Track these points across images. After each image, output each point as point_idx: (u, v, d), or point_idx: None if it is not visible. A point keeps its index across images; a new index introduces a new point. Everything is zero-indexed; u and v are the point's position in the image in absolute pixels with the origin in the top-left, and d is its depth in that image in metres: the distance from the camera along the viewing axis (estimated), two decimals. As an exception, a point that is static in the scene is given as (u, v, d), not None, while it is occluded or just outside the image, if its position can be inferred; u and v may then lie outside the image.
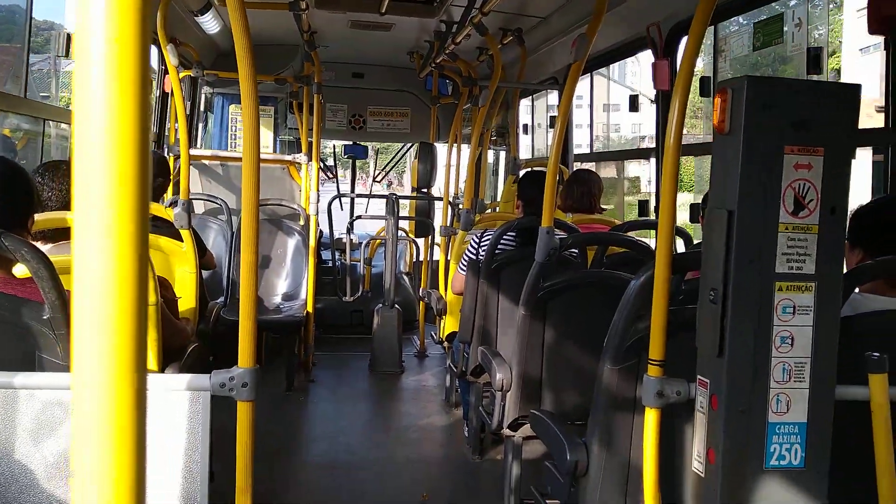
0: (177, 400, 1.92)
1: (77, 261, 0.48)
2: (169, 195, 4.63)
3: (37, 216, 2.40)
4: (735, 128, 1.65)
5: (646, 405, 1.84)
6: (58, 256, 2.04)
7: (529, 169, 5.53)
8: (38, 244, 2.25)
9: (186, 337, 3.15)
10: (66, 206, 2.64)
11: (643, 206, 4.35)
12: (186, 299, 3.63)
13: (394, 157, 9.26)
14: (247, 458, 1.83)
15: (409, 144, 8.44)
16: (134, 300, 0.49)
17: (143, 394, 0.51)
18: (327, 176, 8.88)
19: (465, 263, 3.79)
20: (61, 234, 2.59)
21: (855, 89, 1.68)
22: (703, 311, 1.74)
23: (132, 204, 0.47)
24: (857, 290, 1.99)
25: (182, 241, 3.68)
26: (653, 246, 3.33)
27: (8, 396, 1.78)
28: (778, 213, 1.65)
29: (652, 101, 4.14)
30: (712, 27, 3.67)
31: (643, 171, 5.84)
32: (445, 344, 4.83)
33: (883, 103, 2.48)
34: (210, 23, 5.41)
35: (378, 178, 9.11)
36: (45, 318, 1.78)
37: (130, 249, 0.48)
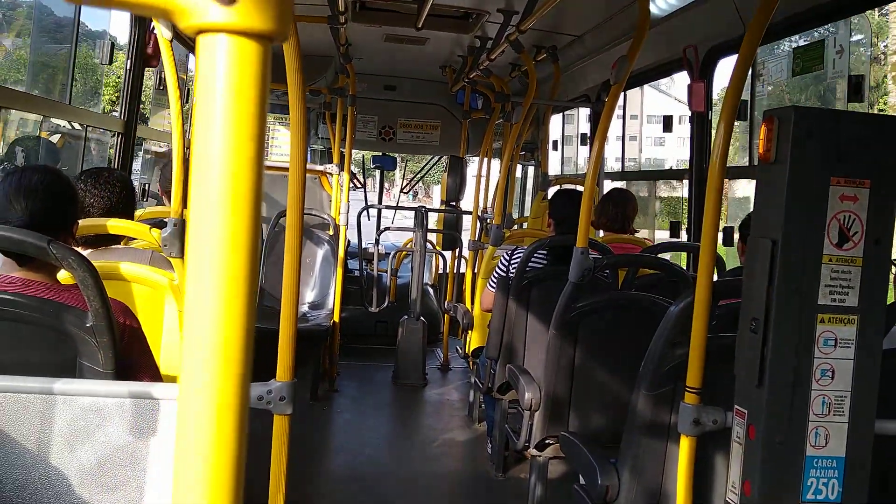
0: (212, 410, 1.93)
1: (191, 274, 0.49)
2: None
3: (81, 222, 2.44)
4: (781, 157, 1.64)
5: (681, 433, 1.83)
6: (100, 262, 2.07)
7: (560, 187, 5.52)
8: (79, 249, 2.29)
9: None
10: (107, 212, 2.68)
11: (675, 227, 4.33)
12: (217, 307, 3.65)
13: (422, 169, 9.29)
14: (281, 472, 1.84)
15: (438, 157, 8.46)
16: (244, 309, 0.50)
17: (245, 404, 0.52)
18: (355, 185, 8.92)
19: (496, 280, 3.79)
20: (102, 240, 2.63)
21: (904, 122, 1.66)
22: (743, 341, 1.73)
23: (245, 214, 0.48)
24: None
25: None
26: (684, 266, 3.31)
27: (47, 402, 1.81)
28: (822, 244, 1.64)
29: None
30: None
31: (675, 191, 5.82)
32: (470, 359, 4.83)
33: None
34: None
35: (406, 190, 9.15)
36: (87, 325, 1.81)
37: (242, 260, 0.49)
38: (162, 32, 2.76)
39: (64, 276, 2.12)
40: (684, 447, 1.83)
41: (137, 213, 3.68)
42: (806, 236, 1.64)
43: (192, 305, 0.49)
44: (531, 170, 7.67)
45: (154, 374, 2.23)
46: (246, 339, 0.50)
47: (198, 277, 0.48)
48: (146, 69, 4.13)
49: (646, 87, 5.36)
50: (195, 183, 0.47)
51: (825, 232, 1.64)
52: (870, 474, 1.72)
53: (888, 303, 1.77)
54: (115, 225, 2.60)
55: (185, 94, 5.75)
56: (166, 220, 2.69)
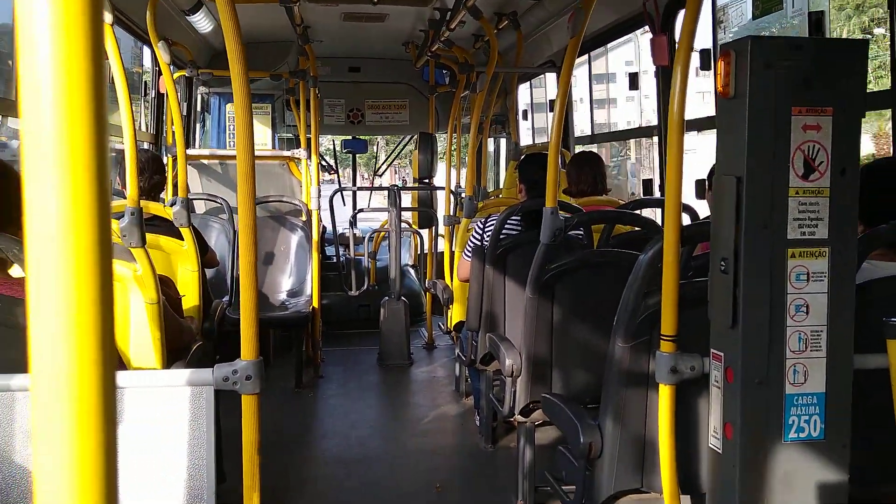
0: (180, 396, 1.89)
1: (31, 248, 0.43)
2: (169, 195, 4.60)
3: None
4: (740, 91, 1.60)
5: (659, 382, 1.80)
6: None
7: (530, 152, 5.48)
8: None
9: (191, 335, 3.11)
10: None
11: (647, 185, 4.29)
12: (190, 298, 3.59)
13: (394, 150, 9.21)
14: (253, 454, 1.79)
15: (410, 136, 8.39)
16: (96, 281, 0.44)
17: (110, 390, 0.46)
18: (328, 173, 8.84)
19: (471, 250, 3.74)
20: None
21: (862, 46, 1.62)
22: (714, 282, 1.70)
23: (88, 184, 0.43)
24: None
25: (183, 239, 3.64)
26: (660, 222, 3.28)
27: (6, 399, 1.75)
28: (788, 177, 1.60)
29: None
30: (710, -2, 3.60)
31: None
32: (453, 333, 4.79)
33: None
34: (202, 22, 5.36)
35: (380, 172, 9.07)
36: None
37: (89, 234, 0.43)
38: (104, 17, 2.67)
39: (18, 271, 2.05)
40: (664, 396, 1.79)
41: None
42: (770, 170, 1.60)
43: (36, 285, 0.44)
44: (503, 142, 7.61)
45: (119, 367, 2.17)
46: (103, 319, 0.44)
47: (38, 242, 0.43)
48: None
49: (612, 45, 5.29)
50: (26, 137, 0.42)
51: (790, 164, 1.60)
52: (851, 410, 1.69)
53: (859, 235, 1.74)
54: None
55: (143, 89, 5.65)
56: None
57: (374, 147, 16.98)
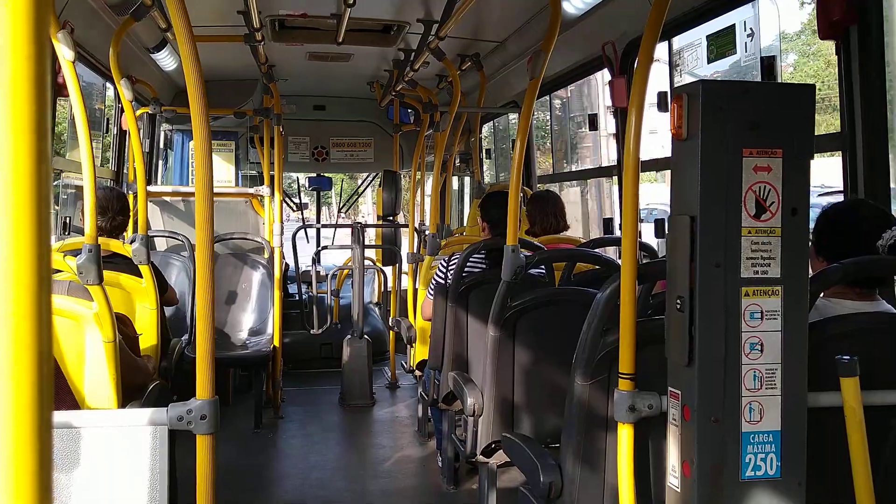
0: (135, 435, 1.85)
1: None
2: (130, 232, 4.54)
3: None
4: (692, 133, 1.64)
5: (618, 420, 1.80)
6: None
7: (491, 190, 5.52)
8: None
9: (147, 374, 3.05)
10: None
11: (607, 224, 4.35)
12: (148, 336, 3.53)
13: (358, 188, 9.22)
14: (208, 494, 1.75)
15: (374, 174, 8.41)
16: (34, 317, 0.43)
17: (47, 431, 0.44)
18: (292, 209, 8.81)
19: (434, 288, 3.74)
20: None
21: (809, 89, 1.67)
22: (671, 320, 1.71)
23: (28, 215, 0.42)
24: (821, 295, 1.97)
25: (142, 277, 3.59)
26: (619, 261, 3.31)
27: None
28: (740, 217, 1.63)
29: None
30: (666, 42, 3.69)
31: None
32: (417, 372, 4.75)
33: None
34: (166, 59, 5.35)
35: (343, 210, 9.06)
36: None
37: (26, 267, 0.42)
38: (63, 54, 2.66)
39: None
40: (623, 435, 1.79)
41: (56, 245, 3.53)
42: (723, 210, 1.63)
43: None
44: (468, 180, 7.67)
45: (71, 406, 2.12)
46: (39, 356, 0.43)
47: None
48: (59, 98, 3.98)
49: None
50: None
51: (742, 204, 1.63)
52: (807, 447, 1.71)
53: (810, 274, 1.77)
54: None
55: (105, 124, 5.60)
56: None
57: (339, 185, 17.00)
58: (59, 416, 1.88)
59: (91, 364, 2.51)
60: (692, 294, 1.64)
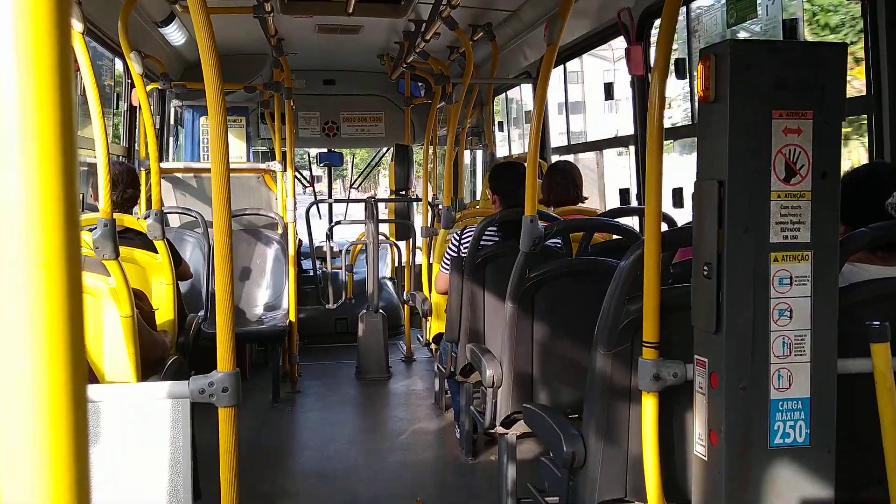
0: (156, 409, 1.84)
1: None
2: (143, 209, 4.53)
3: None
4: (720, 95, 1.59)
5: (643, 389, 1.78)
6: None
7: (500, 162, 5.47)
8: None
9: (165, 349, 3.05)
10: None
11: (624, 194, 4.30)
12: (164, 311, 3.53)
13: (371, 162, 9.18)
14: (231, 467, 1.74)
15: (386, 148, 8.37)
16: (64, 292, 0.41)
17: (82, 403, 0.42)
18: (304, 185, 8.78)
19: (448, 262, 3.71)
20: None
21: (841, 49, 1.62)
22: (697, 287, 1.68)
23: (56, 191, 0.40)
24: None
25: (157, 252, 3.58)
26: (639, 230, 3.28)
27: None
28: (770, 181, 1.60)
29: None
30: (684, 7, 3.62)
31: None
32: (433, 346, 4.75)
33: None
34: (175, 34, 5.30)
35: (356, 185, 9.02)
36: None
37: (59, 246, 0.40)
38: (75, 26, 2.62)
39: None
40: (647, 404, 1.77)
41: None
42: (752, 174, 1.59)
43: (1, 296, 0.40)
44: (480, 153, 7.61)
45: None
46: (72, 330, 0.41)
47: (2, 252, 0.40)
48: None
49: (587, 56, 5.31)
50: None
51: (771, 167, 1.59)
52: (836, 414, 1.68)
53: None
54: None
55: (115, 100, 5.57)
56: None
57: (351, 159, 16.96)
58: (95, 391, 1.87)
59: (109, 339, 2.51)
60: (720, 260, 1.61)
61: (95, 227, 2.58)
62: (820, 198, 1.62)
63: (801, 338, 1.65)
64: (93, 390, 1.94)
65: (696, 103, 1.84)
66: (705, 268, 1.64)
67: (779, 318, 1.63)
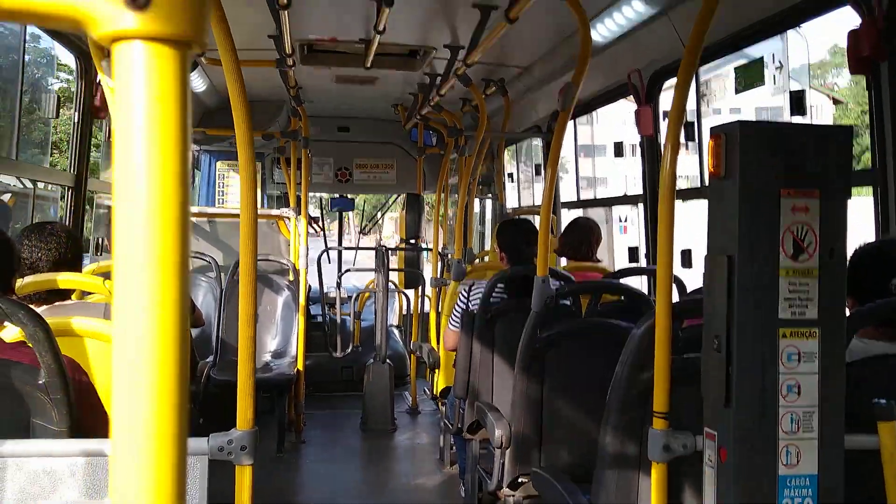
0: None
1: (118, 325, 0.45)
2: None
3: (28, 278, 2.35)
4: (731, 171, 1.63)
5: (652, 459, 1.79)
6: (53, 318, 1.98)
7: (508, 218, 5.52)
8: (33, 307, 2.19)
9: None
10: (54, 266, 2.60)
11: (633, 252, 4.33)
12: (174, 360, 3.54)
13: (381, 208, 9.26)
14: None
15: (396, 196, 8.45)
16: (176, 363, 0.45)
17: (182, 462, 0.47)
18: (314, 229, 8.85)
19: (457, 318, 3.74)
20: (53, 296, 2.54)
21: (846, 131, 1.67)
22: (707, 360, 1.70)
23: (173, 225, 0.45)
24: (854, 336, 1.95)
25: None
26: (645, 291, 3.31)
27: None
28: (778, 257, 1.62)
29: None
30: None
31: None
32: (439, 400, 4.74)
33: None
34: (196, 81, 5.42)
35: (366, 231, 9.09)
36: (40, 382, 1.72)
37: (172, 311, 0.45)
38: (107, 82, 2.71)
39: (9, 334, 2.03)
40: (656, 474, 1.78)
41: (91, 266, 3.57)
42: (761, 250, 1.62)
43: (121, 349, 0.45)
44: (489, 203, 7.68)
45: (108, 431, 2.12)
46: (179, 390, 0.45)
47: (125, 305, 0.44)
48: (94, 121, 4.05)
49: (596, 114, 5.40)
50: (118, 201, 0.44)
51: (780, 244, 1.62)
52: (844, 490, 1.69)
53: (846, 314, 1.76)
54: (65, 279, 2.51)
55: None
56: None
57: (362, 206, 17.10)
58: (93, 444, 1.88)
59: None
60: (729, 334, 1.63)
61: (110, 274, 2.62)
62: (827, 275, 1.64)
63: (808, 414, 1.66)
64: (108, 444, 1.95)
65: (706, 171, 1.88)
66: (715, 340, 1.66)
67: (787, 393, 1.65)
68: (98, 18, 0.43)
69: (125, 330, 0.45)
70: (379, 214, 9.59)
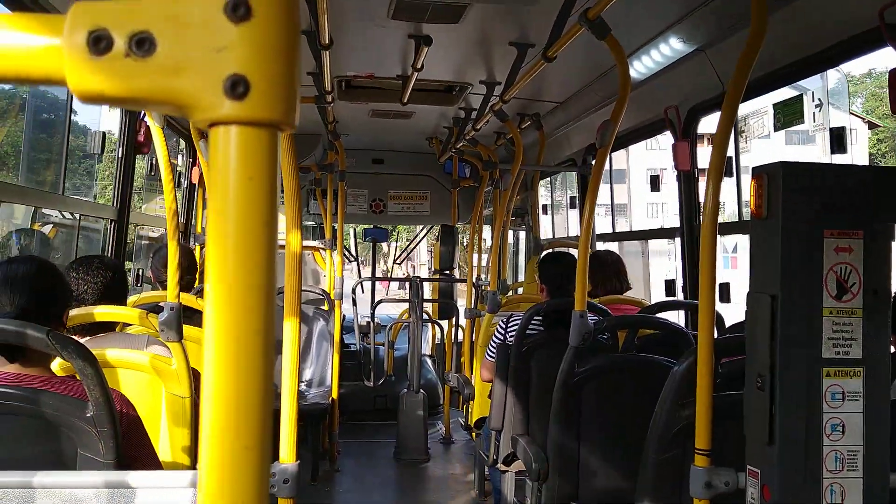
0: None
1: (209, 361, 0.48)
2: (197, 283, 4.68)
3: (72, 311, 2.42)
4: (773, 212, 1.66)
5: (693, 496, 1.80)
6: (98, 350, 2.04)
7: (550, 250, 5.54)
8: (76, 338, 2.26)
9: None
10: (99, 299, 2.67)
11: (670, 285, 4.33)
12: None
13: (414, 239, 9.33)
14: None
15: (429, 227, 8.52)
16: (262, 396, 0.49)
17: (264, 492, 0.50)
18: (348, 259, 8.94)
19: (494, 349, 3.76)
20: (97, 328, 2.61)
21: (892, 172, 1.69)
22: (750, 398, 1.71)
23: (261, 291, 0.48)
24: None
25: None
26: (683, 324, 3.30)
27: (26, 496, 1.75)
28: (821, 297, 1.64)
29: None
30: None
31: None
32: (473, 431, 4.75)
33: None
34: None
35: (399, 261, 9.17)
36: (88, 415, 1.78)
37: (259, 342, 0.49)
38: (155, 120, 2.80)
39: (57, 367, 2.10)
40: (698, 512, 1.78)
41: (132, 298, 3.66)
42: (804, 290, 1.64)
43: (212, 391, 0.48)
44: (522, 234, 7.72)
45: (154, 464, 2.17)
46: (263, 424, 0.49)
47: (216, 365, 0.48)
48: (137, 156, 4.17)
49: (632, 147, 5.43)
50: (211, 268, 0.47)
51: (823, 284, 1.64)
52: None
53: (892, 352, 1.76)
54: (102, 312, 2.58)
55: (177, 179, 5.81)
56: (161, 304, 2.68)
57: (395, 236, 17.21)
58: (135, 477, 1.92)
59: (168, 420, 2.58)
60: (773, 373, 1.65)
61: (154, 306, 2.69)
62: (871, 315, 1.65)
63: (853, 453, 1.66)
64: (148, 476, 1.99)
65: (744, 205, 1.90)
66: (759, 380, 1.67)
67: (831, 432, 1.65)
68: (200, 106, 0.46)
69: (216, 381, 0.48)
70: (411, 246, 9.67)
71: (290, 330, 1.82)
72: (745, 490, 1.76)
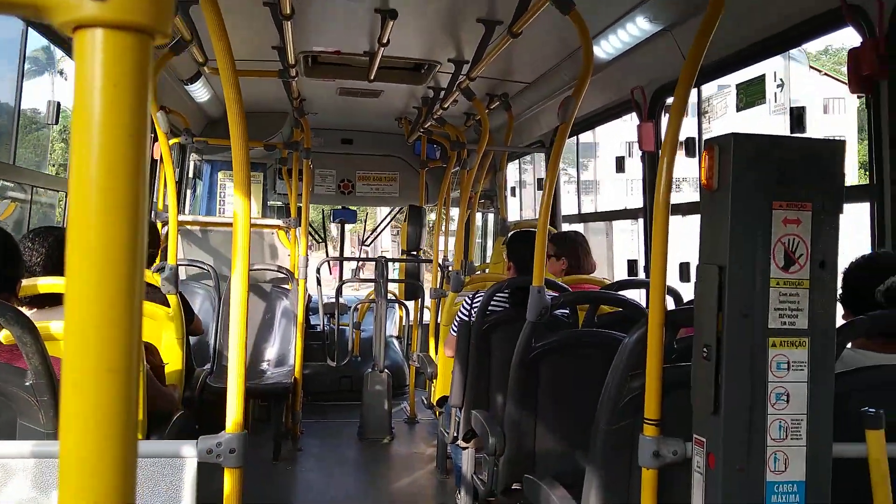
0: (162, 467, 1.87)
1: (68, 324, 0.46)
2: (157, 260, 4.61)
3: (23, 282, 2.37)
4: (723, 184, 1.66)
5: (642, 466, 1.81)
6: (43, 322, 2.00)
7: (518, 230, 5.55)
8: (24, 310, 2.21)
9: (173, 403, 3.08)
10: (51, 271, 2.62)
11: (632, 265, 4.36)
12: (173, 366, 3.56)
13: (383, 221, 9.30)
14: None
15: (398, 208, 8.49)
16: (126, 364, 0.47)
17: (132, 464, 0.48)
18: (316, 240, 8.89)
19: (457, 325, 3.76)
20: (47, 300, 2.55)
21: (840, 145, 1.70)
22: (697, 368, 1.73)
23: (125, 266, 0.46)
24: (848, 345, 1.98)
25: (169, 306, 3.63)
26: (644, 304, 3.32)
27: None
28: (769, 268, 1.65)
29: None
30: (696, 89, 3.74)
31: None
32: (436, 409, 4.76)
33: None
34: (200, 91, 5.47)
35: (368, 242, 9.13)
36: (27, 384, 1.74)
37: (123, 313, 0.46)
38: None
39: (3, 337, 2.05)
40: (646, 481, 1.80)
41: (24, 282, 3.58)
42: (752, 261, 1.65)
43: (72, 330, 0.46)
44: (491, 217, 7.73)
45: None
46: (129, 348, 0.47)
47: (76, 296, 0.45)
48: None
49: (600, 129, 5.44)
50: (72, 183, 0.45)
51: (771, 256, 1.65)
52: (831, 499, 1.71)
53: (837, 325, 1.78)
54: (49, 283, 2.52)
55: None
56: None
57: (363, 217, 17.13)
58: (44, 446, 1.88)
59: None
60: (719, 343, 1.66)
61: None
62: (817, 286, 1.67)
63: (797, 422, 1.68)
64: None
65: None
66: (705, 350, 1.69)
67: (776, 401, 1.67)
68: (60, 6, 0.43)
69: (74, 322, 0.46)
70: (381, 227, 9.63)
71: (238, 304, 1.80)
72: (692, 459, 1.78)
